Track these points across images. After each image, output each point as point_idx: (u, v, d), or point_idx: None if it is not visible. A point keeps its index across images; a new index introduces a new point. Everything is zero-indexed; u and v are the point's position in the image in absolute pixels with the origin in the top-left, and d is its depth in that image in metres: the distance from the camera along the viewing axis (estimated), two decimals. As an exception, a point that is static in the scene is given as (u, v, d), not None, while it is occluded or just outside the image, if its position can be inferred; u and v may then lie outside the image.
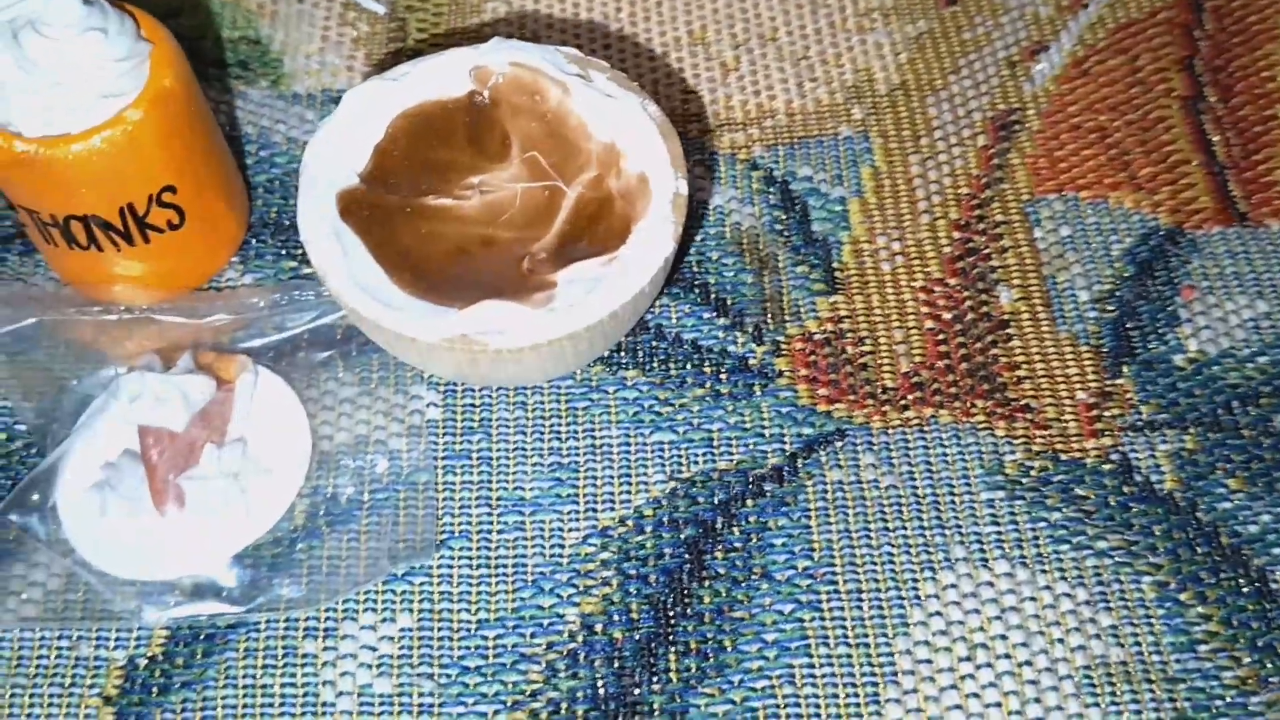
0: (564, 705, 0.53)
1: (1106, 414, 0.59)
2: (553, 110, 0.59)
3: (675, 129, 0.57)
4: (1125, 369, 0.61)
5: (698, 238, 0.65)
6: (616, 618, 0.54)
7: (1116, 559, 0.56)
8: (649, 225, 0.55)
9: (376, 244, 0.55)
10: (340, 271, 0.54)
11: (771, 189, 0.67)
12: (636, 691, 0.53)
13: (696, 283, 0.63)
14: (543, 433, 0.59)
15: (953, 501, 0.57)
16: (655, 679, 0.53)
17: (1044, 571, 0.55)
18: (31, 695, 0.53)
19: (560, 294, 0.53)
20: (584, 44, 0.72)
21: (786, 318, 0.62)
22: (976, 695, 0.52)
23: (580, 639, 0.54)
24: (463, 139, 0.59)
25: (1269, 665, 0.53)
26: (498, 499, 0.57)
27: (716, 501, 0.57)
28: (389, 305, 0.53)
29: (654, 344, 0.61)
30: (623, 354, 0.61)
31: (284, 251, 0.64)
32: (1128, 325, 0.62)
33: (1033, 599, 0.55)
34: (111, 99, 0.54)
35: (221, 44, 0.72)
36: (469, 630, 0.54)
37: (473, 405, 0.60)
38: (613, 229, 0.56)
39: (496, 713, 0.53)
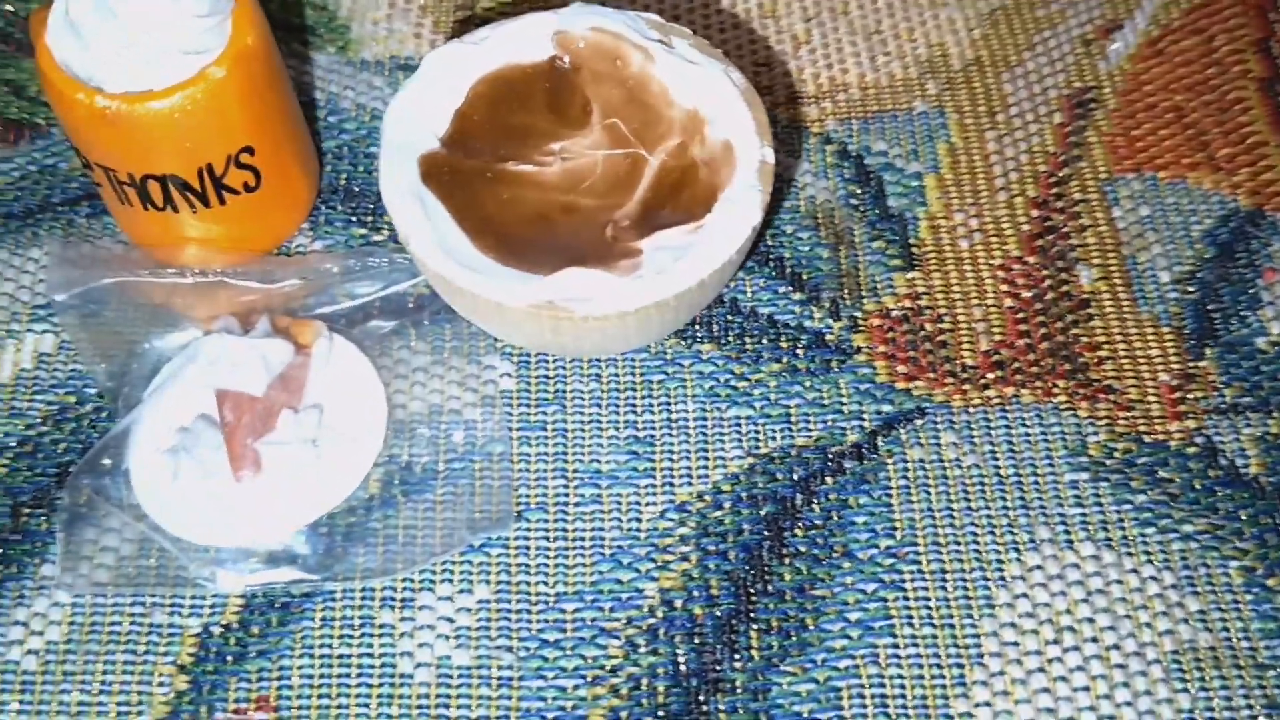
0: (644, 681, 0.52)
1: (1190, 396, 0.59)
2: (634, 76, 0.58)
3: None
4: (1208, 351, 0.60)
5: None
6: (696, 594, 0.54)
7: (1203, 543, 0.55)
8: (735, 193, 0.54)
9: (458, 208, 0.54)
10: (424, 235, 0.53)
11: (846, 163, 0.66)
12: (718, 668, 0.52)
13: (771, 257, 0.62)
14: (618, 405, 0.58)
15: (1036, 482, 0.56)
16: (737, 656, 0.52)
17: (1130, 554, 0.54)
18: (105, 662, 0.53)
19: (647, 261, 0.53)
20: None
21: (863, 293, 0.61)
22: (1065, 678, 0.52)
23: (660, 614, 0.53)
24: (543, 104, 0.59)
25: (1359, 653, 0.52)
26: (574, 471, 0.57)
27: (796, 478, 0.56)
28: (473, 270, 0.52)
29: (729, 318, 0.61)
30: (698, 327, 0.60)
31: (354, 218, 0.64)
32: (1209, 307, 0.61)
33: (1119, 582, 0.54)
34: (194, 56, 0.54)
35: (288, 8, 0.71)
36: (547, 603, 0.54)
37: (547, 376, 0.59)
38: (697, 197, 0.55)
39: (576, 687, 0.52)
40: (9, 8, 0.71)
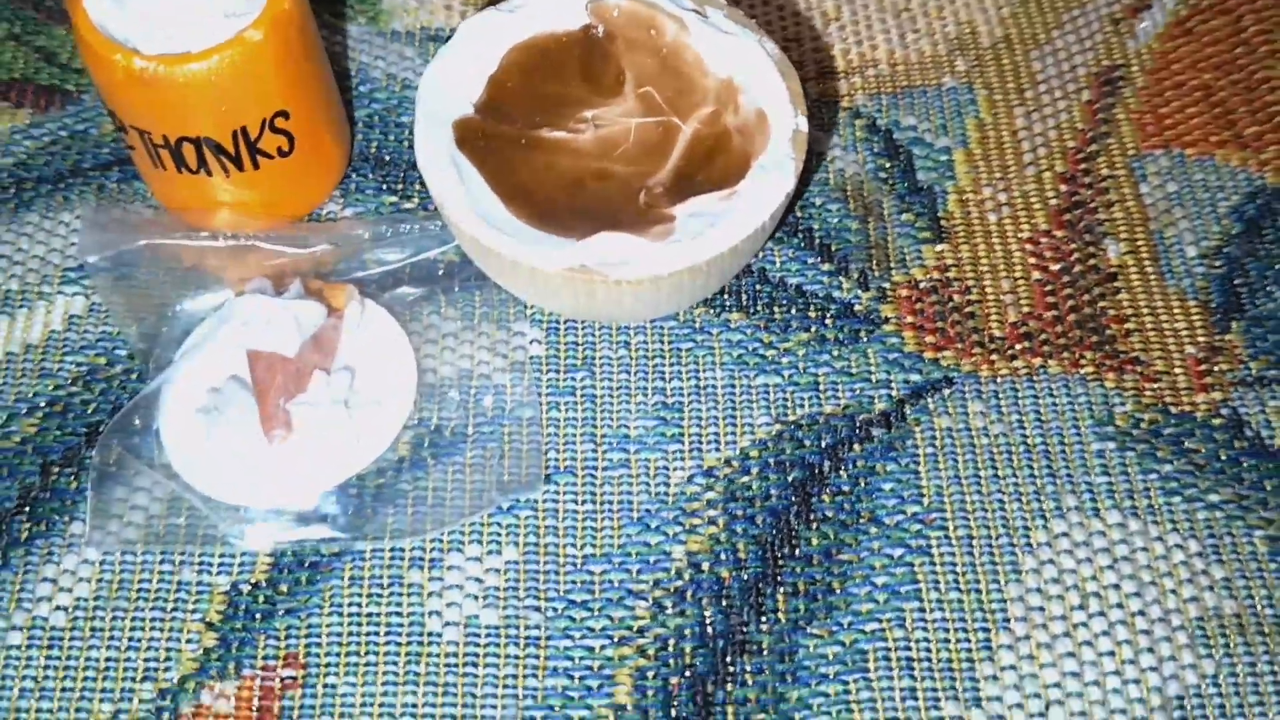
0: (671, 642, 0.52)
1: (1216, 369, 0.59)
2: (669, 45, 0.58)
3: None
4: (1234, 325, 0.60)
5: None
6: (724, 557, 0.54)
7: (1228, 512, 0.55)
8: (769, 161, 0.54)
9: (492, 174, 0.55)
10: (458, 199, 0.53)
11: (875, 137, 0.66)
12: (745, 630, 0.52)
13: (800, 228, 0.63)
14: (647, 372, 0.59)
15: (1063, 451, 0.56)
16: (764, 619, 0.53)
17: (1155, 523, 0.55)
18: (133, 619, 0.53)
19: (680, 227, 0.53)
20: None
21: (892, 265, 0.61)
22: (1090, 643, 0.52)
23: (687, 577, 0.54)
24: (576, 73, 0.59)
25: (1384, 623, 0.52)
26: (602, 436, 0.57)
27: (823, 445, 0.56)
28: (507, 234, 0.52)
29: (758, 287, 0.61)
30: (727, 296, 0.60)
31: (384, 186, 0.64)
32: (1235, 281, 0.61)
33: (1145, 549, 0.54)
34: (232, 19, 0.54)
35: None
36: (575, 565, 0.54)
37: (576, 343, 0.59)
38: (731, 165, 0.56)
39: (603, 647, 0.52)
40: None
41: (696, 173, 0.56)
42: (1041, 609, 0.53)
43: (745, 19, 0.58)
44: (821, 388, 0.58)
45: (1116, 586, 0.53)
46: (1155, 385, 0.58)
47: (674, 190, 0.55)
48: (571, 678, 0.52)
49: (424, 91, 0.56)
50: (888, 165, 0.65)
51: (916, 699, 0.51)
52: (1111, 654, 0.52)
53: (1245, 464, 0.56)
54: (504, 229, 0.53)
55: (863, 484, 0.55)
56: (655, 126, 0.57)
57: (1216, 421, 0.57)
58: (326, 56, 0.60)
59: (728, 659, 0.52)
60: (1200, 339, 0.59)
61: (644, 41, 0.59)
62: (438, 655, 0.52)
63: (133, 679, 0.52)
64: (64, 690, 0.52)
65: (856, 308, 0.60)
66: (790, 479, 0.55)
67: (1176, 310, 0.60)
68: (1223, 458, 0.56)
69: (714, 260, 0.52)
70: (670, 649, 0.52)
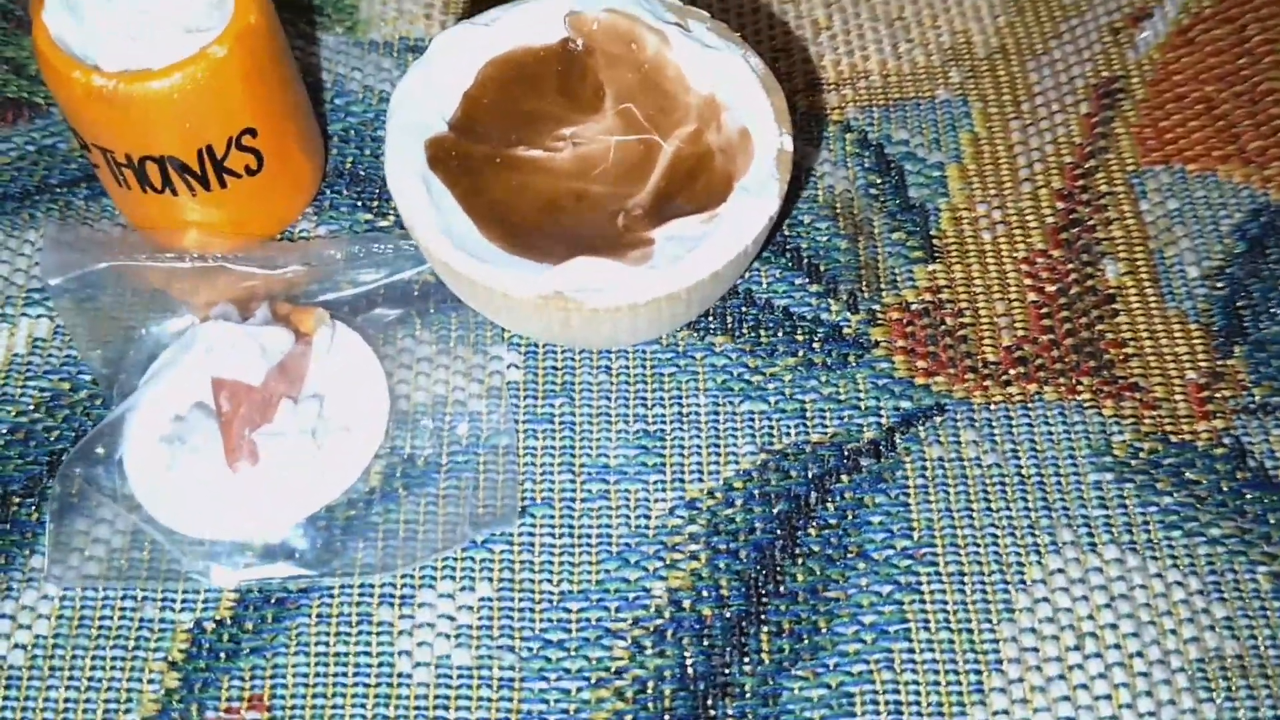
0: (650, 684, 0.50)
1: (1218, 395, 0.57)
2: (650, 60, 0.56)
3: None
4: (1237, 349, 0.58)
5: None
6: (705, 594, 0.52)
7: (1230, 547, 0.53)
8: (752, 182, 0.52)
9: (465, 195, 0.53)
10: (428, 222, 0.51)
11: (866, 152, 0.64)
12: (727, 672, 0.50)
13: (788, 247, 0.61)
14: (628, 398, 0.57)
15: (1059, 482, 0.54)
16: (746, 659, 0.51)
17: (1155, 559, 0.53)
18: (94, 657, 0.51)
19: (659, 252, 0.51)
20: None
21: (882, 286, 0.59)
22: (1085, 686, 0.50)
23: (668, 615, 0.52)
24: (554, 88, 0.57)
25: (1392, 664, 0.50)
26: (581, 466, 0.55)
27: (810, 475, 0.55)
28: (479, 259, 0.51)
29: (743, 309, 0.59)
30: (711, 319, 0.58)
31: (359, 203, 0.62)
32: (1239, 304, 0.59)
33: (1143, 587, 0.52)
34: (195, 34, 0.52)
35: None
36: (551, 602, 0.52)
37: (555, 368, 0.57)
38: (712, 185, 0.54)
39: (580, 689, 0.50)
40: (10, -16, 0.70)
41: (677, 194, 0.54)
42: (1035, 649, 0.51)
43: (729, 32, 0.56)
44: (808, 415, 0.56)
45: (1114, 626, 0.51)
46: (1155, 413, 0.56)
47: (653, 212, 0.53)
48: (546, 721, 0.50)
49: (396, 108, 0.54)
50: (879, 181, 0.63)
51: (904, 746, 0.49)
52: (1108, 697, 0.50)
53: (1248, 496, 0.54)
54: (476, 253, 0.51)
55: (851, 517, 0.53)
56: (636, 145, 0.55)
57: (1218, 451, 0.55)
58: (297, 70, 0.59)
59: (709, 702, 0.50)
60: (1202, 364, 0.57)
61: (624, 56, 0.57)
62: (407, 697, 0.50)
63: (92, 720, 0.50)
64: (22, 731, 0.50)
65: (845, 331, 0.58)
66: (776, 511, 0.54)
67: (1177, 333, 0.58)
68: (1225, 489, 0.54)
69: (694, 287, 0.50)
70: (649, 691, 0.50)
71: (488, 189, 0.54)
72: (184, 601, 0.52)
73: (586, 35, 0.57)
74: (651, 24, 0.56)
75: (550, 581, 0.53)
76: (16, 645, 0.51)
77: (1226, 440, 0.56)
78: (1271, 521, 0.53)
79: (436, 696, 0.50)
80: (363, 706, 0.50)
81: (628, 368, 0.57)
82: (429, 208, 0.52)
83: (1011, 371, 0.57)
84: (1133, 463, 0.55)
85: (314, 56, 0.67)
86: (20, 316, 0.59)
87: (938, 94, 0.67)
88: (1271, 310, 0.59)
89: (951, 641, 0.51)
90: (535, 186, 0.54)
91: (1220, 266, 0.61)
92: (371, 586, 0.52)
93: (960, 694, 0.50)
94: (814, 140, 0.64)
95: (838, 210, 0.62)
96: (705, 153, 0.55)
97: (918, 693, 0.50)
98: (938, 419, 0.56)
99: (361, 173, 0.63)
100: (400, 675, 0.51)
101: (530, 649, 0.51)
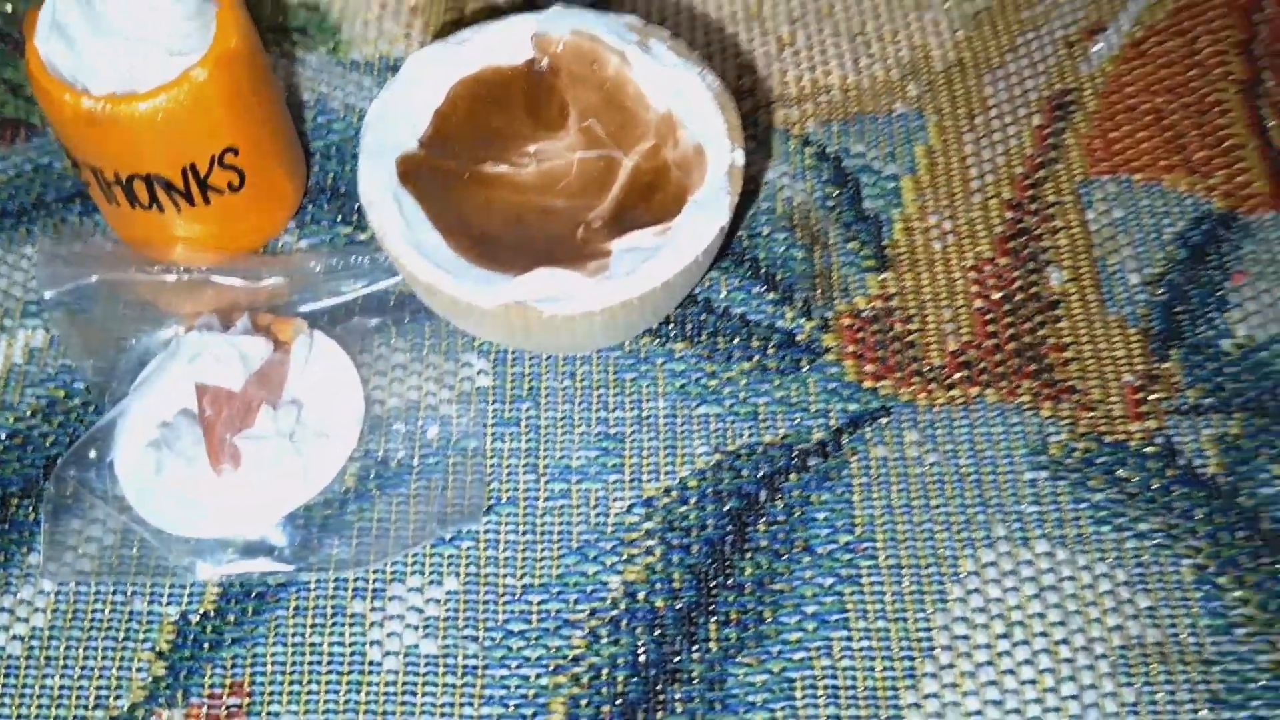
0: (605, 671, 0.53)
1: (1152, 397, 0.59)
2: (611, 79, 0.59)
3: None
4: (1173, 353, 0.61)
5: (748, 213, 0.65)
6: (659, 586, 0.55)
7: (1156, 541, 0.56)
8: (704, 196, 0.55)
9: (434, 209, 0.56)
10: (398, 235, 0.54)
11: (824, 165, 0.67)
12: (677, 659, 0.53)
13: (746, 257, 0.64)
14: (590, 402, 0.60)
15: (995, 480, 0.57)
16: (695, 648, 0.54)
17: (1084, 552, 0.56)
18: (86, 648, 0.55)
19: (615, 262, 0.54)
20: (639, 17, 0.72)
21: (835, 294, 0.62)
22: (1012, 672, 0.53)
23: (623, 606, 0.55)
24: (521, 106, 0.60)
25: (1307, 651, 0.53)
26: (545, 467, 0.58)
27: (760, 475, 0.58)
28: (445, 270, 0.54)
29: (703, 317, 0.62)
30: (671, 326, 0.61)
31: (339, 218, 0.65)
32: (1177, 309, 0.62)
33: (1072, 579, 0.55)
34: (178, 58, 0.55)
35: (281, 8, 0.73)
36: (514, 595, 0.55)
37: (522, 374, 0.60)
38: (668, 199, 0.57)
39: (539, 676, 0.53)
40: (8, 7, 0.73)
41: (635, 207, 0.57)
42: (966, 638, 0.54)
43: (688, 51, 0.59)
44: (761, 417, 0.59)
45: (1041, 615, 0.54)
46: (1091, 414, 0.59)
47: (613, 225, 0.56)
48: (506, 706, 0.53)
49: (369, 126, 0.57)
50: (835, 193, 0.66)
51: (839, 728, 0.52)
52: (1033, 682, 0.53)
53: (1176, 492, 0.57)
54: (443, 264, 0.54)
55: (798, 513, 0.56)
56: (597, 160, 0.58)
57: (1150, 450, 0.58)
58: (279, 90, 0.62)
59: (659, 687, 0.53)
60: (1139, 367, 0.60)
61: (587, 75, 0.60)
62: (377, 684, 0.53)
63: (85, 707, 0.53)
64: (19, 718, 0.53)
65: (799, 337, 0.61)
66: (727, 509, 0.57)
67: (1116, 338, 0.61)
68: (1154, 487, 0.57)
69: (646, 296, 0.53)
70: (603, 678, 0.53)
71: (456, 204, 0.57)
72: (170, 595, 0.56)
73: (551, 55, 0.60)
74: (613, 44, 0.60)
75: (513, 576, 0.56)
76: (15, 637, 0.55)
77: (1158, 440, 0.58)
78: (1198, 516, 0.56)
79: (405, 683, 0.54)
80: (336, 693, 0.53)
81: (591, 373, 0.60)
82: (399, 222, 0.55)
83: (955, 375, 0.60)
84: (1067, 462, 0.58)
85: (297, 76, 0.70)
86: (18, 328, 0.62)
87: (895, 108, 0.70)
88: (1209, 315, 0.62)
89: (887, 630, 0.54)
90: (501, 201, 0.58)
91: (1161, 273, 0.63)
92: (345, 581, 0.56)
93: (894, 679, 0.53)
94: (775, 154, 0.67)
95: (795, 221, 0.65)
96: (662, 167, 0.58)
97: (854, 678, 0.53)
98: (883, 421, 0.59)
99: (342, 188, 0.66)
100: (371, 664, 0.54)
101: (493, 639, 0.54)
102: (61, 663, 0.54)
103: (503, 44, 0.61)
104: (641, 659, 0.53)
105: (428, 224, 0.55)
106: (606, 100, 0.60)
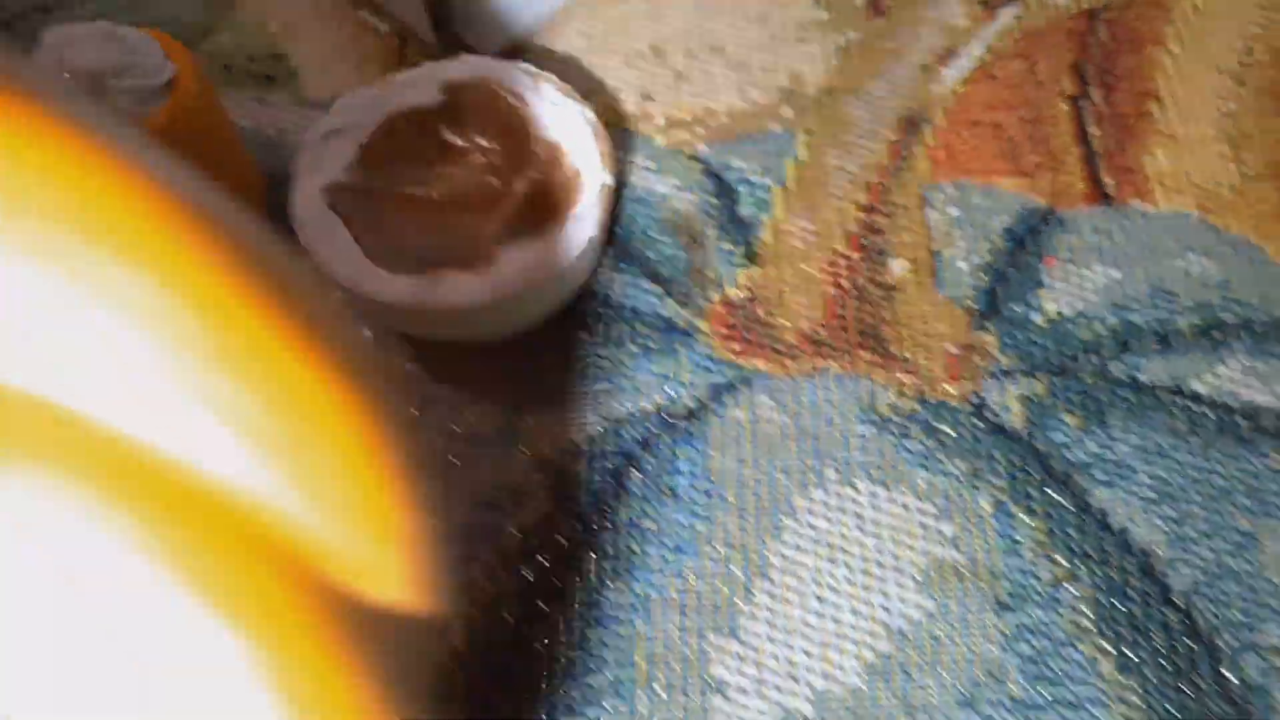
0: (501, 598, 0.65)
1: (970, 363, 0.71)
2: (506, 114, 0.72)
3: (608, 130, 0.71)
4: (990, 325, 0.72)
5: (642, 220, 0.77)
6: (550, 529, 0.67)
7: (962, 480, 0.67)
8: (580, 211, 0.68)
9: (357, 227, 0.68)
10: (325, 251, 0.67)
11: (708, 179, 0.79)
12: (561, 586, 0.65)
13: (638, 257, 0.76)
14: (495, 381, 0.72)
15: (831, 434, 0.69)
16: (579, 578, 0.65)
17: (900, 491, 0.67)
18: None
19: (504, 265, 0.66)
20: (559, 57, 0.85)
21: (710, 287, 0.74)
22: (833, 588, 0.64)
23: (519, 545, 0.67)
24: (433, 137, 0.72)
25: (1080, 565, 0.65)
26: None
27: (638, 436, 0.69)
28: (361, 275, 0.66)
29: (600, 310, 0.74)
30: (572, 318, 0.73)
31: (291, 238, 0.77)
32: (998, 290, 0.73)
33: (888, 513, 0.66)
34: (143, 103, 0.66)
35: (250, 59, 0.85)
36: (431, 538, 0.67)
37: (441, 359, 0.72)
38: (551, 214, 0.69)
39: (449, 602, 0.65)
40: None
41: (523, 220, 0.69)
42: (796, 561, 0.65)
43: (572, 92, 0.72)
44: (642, 391, 0.71)
45: (860, 543, 0.65)
46: (915, 378, 0.70)
47: (504, 235, 0.68)
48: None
49: (302, 158, 0.70)
50: (716, 202, 0.78)
51: (687, 631, 0.64)
52: (851, 596, 0.64)
53: (983, 440, 0.68)
54: (360, 271, 0.66)
55: (666, 466, 0.68)
56: (494, 182, 0.71)
57: (965, 407, 0.69)
58: (236, 137, 0.73)
59: (547, 608, 0.65)
60: (961, 340, 0.72)
61: (488, 110, 0.72)
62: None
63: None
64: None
65: (678, 323, 0.73)
66: (610, 466, 0.68)
67: (943, 316, 0.73)
68: (965, 436, 0.68)
69: (524, 293, 0.65)
70: (500, 604, 0.65)
71: (375, 222, 0.69)
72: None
73: (459, 94, 0.73)
74: (510, 86, 0.72)
75: (430, 523, 0.68)
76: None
77: (973, 399, 0.70)
78: (999, 458, 0.68)
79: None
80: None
81: (497, 361, 0.72)
82: (327, 238, 0.67)
83: (806, 350, 0.72)
84: (893, 418, 0.69)
85: (262, 114, 0.83)
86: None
87: (772, 128, 0.82)
88: (1025, 295, 0.73)
89: (730, 556, 0.66)
90: (413, 217, 0.70)
91: (989, 262, 0.75)
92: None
93: (735, 594, 0.65)
94: (668, 171, 0.79)
95: (680, 226, 0.77)
96: (547, 188, 0.70)
97: (700, 595, 0.65)
98: (742, 389, 0.71)
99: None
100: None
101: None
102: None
103: (419, 86, 0.73)
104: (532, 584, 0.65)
105: (350, 240, 0.68)
106: (503, 131, 0.72)
